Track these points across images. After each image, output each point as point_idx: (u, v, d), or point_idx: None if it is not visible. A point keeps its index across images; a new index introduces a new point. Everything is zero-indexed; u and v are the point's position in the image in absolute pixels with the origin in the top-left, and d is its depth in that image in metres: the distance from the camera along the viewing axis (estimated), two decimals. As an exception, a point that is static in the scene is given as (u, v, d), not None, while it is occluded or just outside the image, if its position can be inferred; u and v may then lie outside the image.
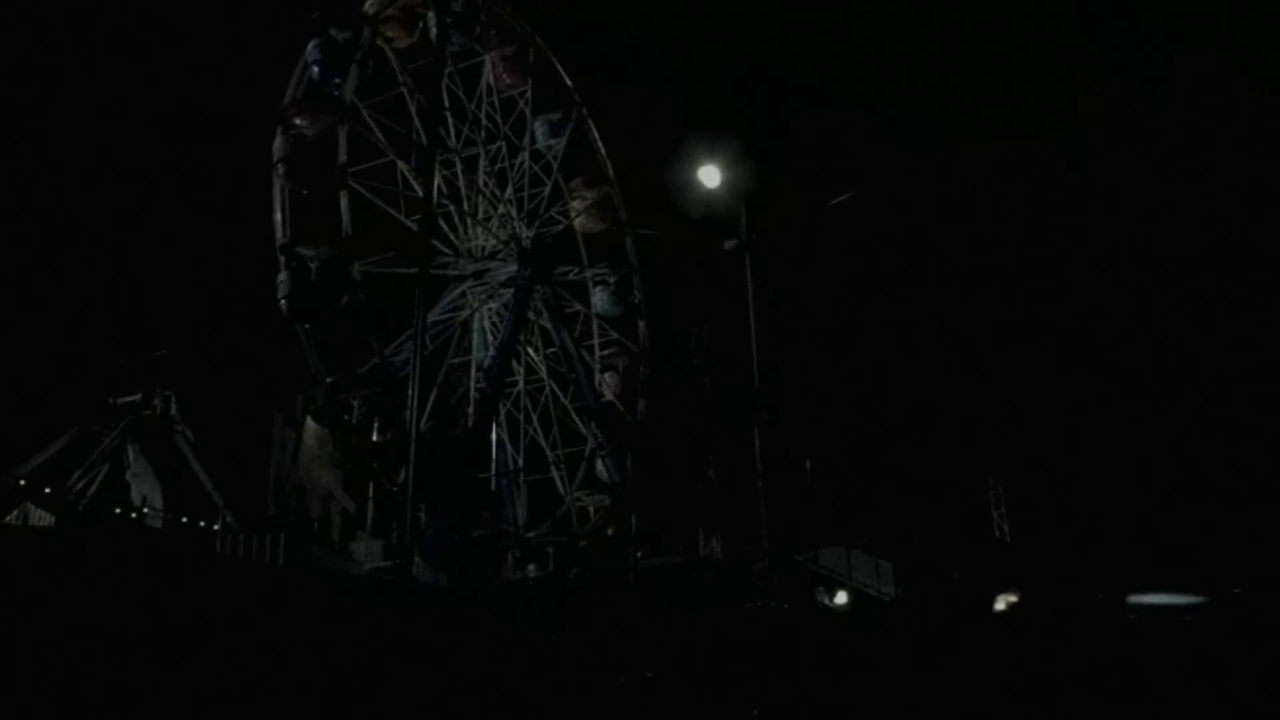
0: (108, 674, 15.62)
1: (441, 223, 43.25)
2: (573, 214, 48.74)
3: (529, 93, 46.68)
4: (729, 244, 30.64)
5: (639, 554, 39.78)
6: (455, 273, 43.76)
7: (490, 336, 45.34)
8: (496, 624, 23.78)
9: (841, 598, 35.79)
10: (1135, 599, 30.85)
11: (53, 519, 36.46)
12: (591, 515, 45.75)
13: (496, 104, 46.36)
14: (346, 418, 38.61)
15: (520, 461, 45.67)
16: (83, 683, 15.31)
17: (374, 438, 39.10)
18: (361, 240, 39.91)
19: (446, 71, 43.60)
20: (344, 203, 39.80)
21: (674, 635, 24.16)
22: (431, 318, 39.55)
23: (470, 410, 43.59)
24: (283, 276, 37.69)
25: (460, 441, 40.18)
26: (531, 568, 42.61)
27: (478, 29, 45.19)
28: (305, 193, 38.95)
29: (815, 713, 20.59)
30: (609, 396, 47.62)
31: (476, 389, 44.03)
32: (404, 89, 42.56)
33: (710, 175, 30.88)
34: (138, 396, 46.52)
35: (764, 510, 30.13)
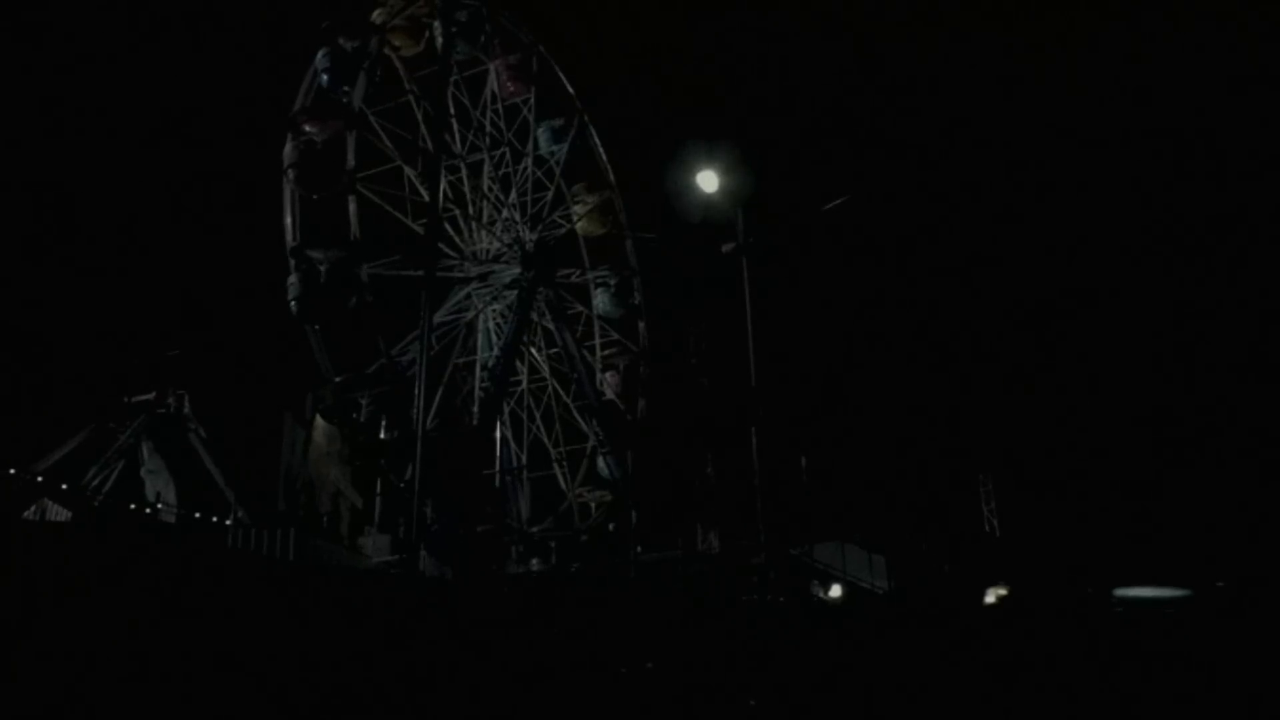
0: (122, 666, 16.24)
1: (447, 226, 43.79)
2: (575, 218, 49.15)
3: (532, 100, 47.19)
4: (727, 247, 31.23)
5: (639, 548, 40.55)
6: (460, 275, 44.29)
7: (494, 337, 46.00)
8: (500, 616, 24.35)
9: (836, 591, 36.13)
10: (1121, 592, 31.58)
11: (69, 514, 36.93)
12: (593, 511, 46.22)
13: (500, 111, 46.88)
14: (355, 416, 39.17)
15: (523, 458, 46.21)
16: (97, 675, 15.91)
17: (381, 435, 39.74)
18: (369, 243, 40.59)
19: (452, 79, 44.16)
20: (352, 207, 40.41)
21: (673, 628, 24.86)
22: (437, 319, 40.06)
23: (475, 409, 44.18)
24: (293, 279, 38.34)
25: (465, 439, 40.86)
26: (534, 562, 43.29)
27: (482, 38, 45.66)
28: (315, 197, 39.57)
29: (810, 703, 21.32)
30: (610, 395, 48.12)
31: (481, 388, 44.58)
32: (410, 96, 43.01)
33: (708, 180, 31.53)
34: (152, 395, 47.20)
35: (761, 506, 30.85)
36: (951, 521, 45.98)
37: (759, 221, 31.33)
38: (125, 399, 47.13)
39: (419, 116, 42.89)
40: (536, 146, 47.52)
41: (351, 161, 39.68)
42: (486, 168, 46.30)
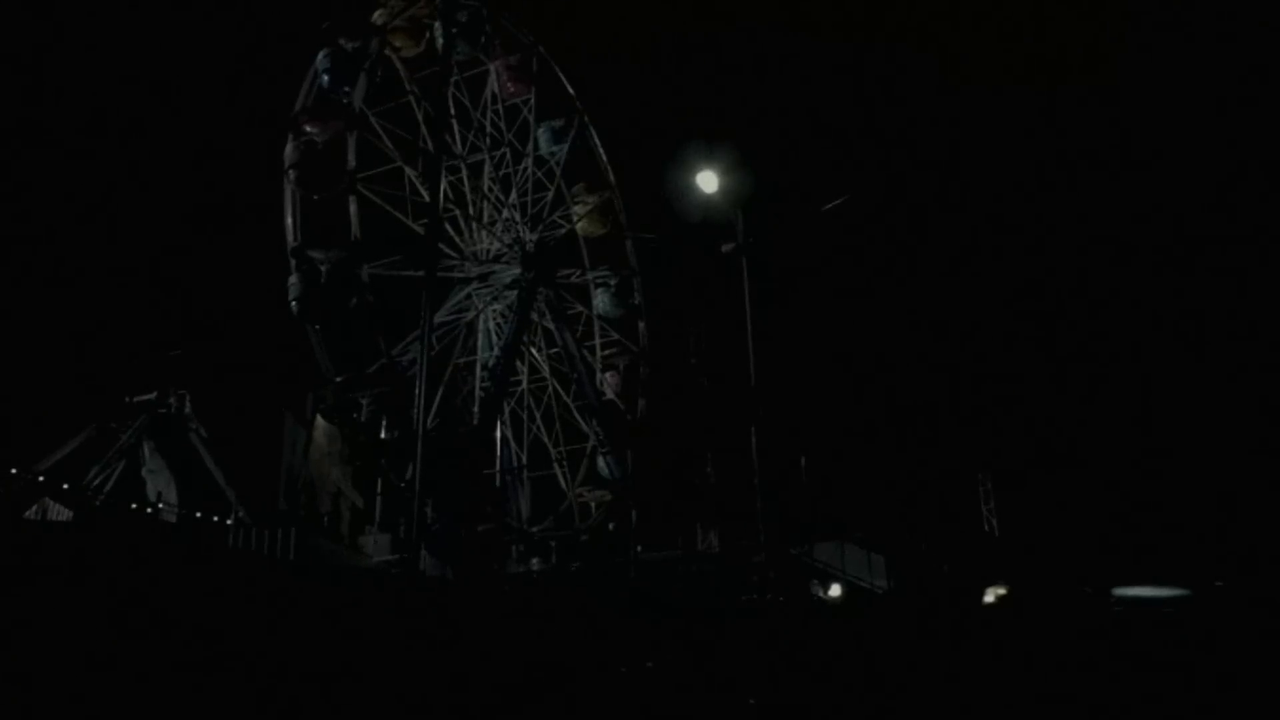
0: (124, 665, 16.25)
1: (447, 227, 43.88)
2: (575, 218, 49.26)
3: (532, 100, 47.28)
4: (726, 247, 31.41)
5: (639, 548, 40.64)
6: (461, 275, 44.40)
7: (495, 337, 46.10)
8: (500, 615, 24.40)
9: (835, 590, 36.18)
10: (1120, 591, 31.57)
11: (71, 514, 37.01)
12: (593, 510, 46.32)
13: (501, 111, 47.00)
14: (355, 416, 39.28)
15: (524, 458, 46.33)
16: (97, 675, 15.95)
17: (382, 435, 39.85)
18: (370, 244, 40.72)
19: (452, 80, 44.14)
20: (353, 207, 40.53)
21: (672, 627, 24.93)
22: (438, 319, 40.11)
23: (475, 409, 44.35)
24: (294, 279, 38.50)
25: (465, 439, 40.96)
26: (535, 561, 43.37)
27: (483, 39, 45.73)
28: (315, 198, 39.69)
29: (809, 702, 21.37)
30: (610, 395, 48.23)
31: (481, 388, 44.74)
32: (411, 97, 43.12)
33: (708, 180, 31.69)
34: (153, 395, 47.26)
35: (761, 506, 30.96)
36: (951, 521, 46.06)
37: (759, 221, 31.52)
38: (126, 399, 47.19)
39: (419, 117, 42.99)
40: (537, 147, 47.61)
41: (352, 162, 39.81)
42: (487, 168, 46.40)
